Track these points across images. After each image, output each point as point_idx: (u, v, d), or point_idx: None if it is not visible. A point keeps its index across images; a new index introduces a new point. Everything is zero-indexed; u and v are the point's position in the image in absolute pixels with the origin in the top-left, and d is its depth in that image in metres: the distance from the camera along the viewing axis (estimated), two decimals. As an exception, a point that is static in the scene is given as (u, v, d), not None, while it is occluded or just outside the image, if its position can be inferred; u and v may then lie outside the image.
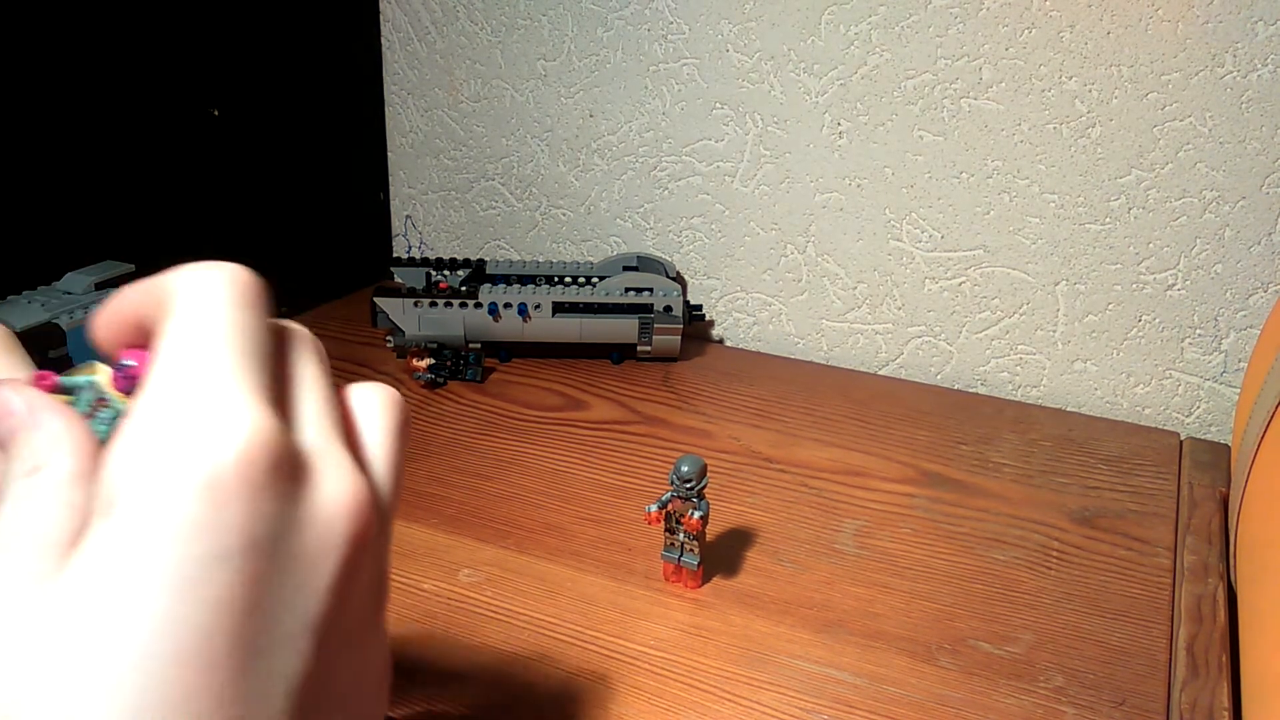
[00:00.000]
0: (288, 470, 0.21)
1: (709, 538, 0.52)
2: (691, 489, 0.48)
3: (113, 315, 0.25)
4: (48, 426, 0.22)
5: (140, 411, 0.21)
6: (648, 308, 0.77)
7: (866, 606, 0.51)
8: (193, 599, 0.20)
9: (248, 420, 0.21)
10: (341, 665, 0.23)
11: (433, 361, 0.74)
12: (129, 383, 0.25)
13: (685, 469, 0.48)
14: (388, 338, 0.79)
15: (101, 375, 0.26)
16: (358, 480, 0.23)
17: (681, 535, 0.50)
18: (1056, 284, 0.74)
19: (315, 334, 0.28)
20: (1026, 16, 0.69)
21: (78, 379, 0.26)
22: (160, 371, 0.22)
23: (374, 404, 0.26)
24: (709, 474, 0.49)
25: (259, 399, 0.21)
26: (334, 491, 0.22)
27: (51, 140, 0.66)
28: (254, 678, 0.20)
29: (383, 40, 0.92)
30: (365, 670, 0.25)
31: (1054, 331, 0.75)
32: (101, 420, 0.25)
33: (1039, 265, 0.74)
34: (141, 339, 0.25)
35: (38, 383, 0.26)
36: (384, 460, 0.25)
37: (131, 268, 0.66)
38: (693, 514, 0.49)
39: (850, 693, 0.45)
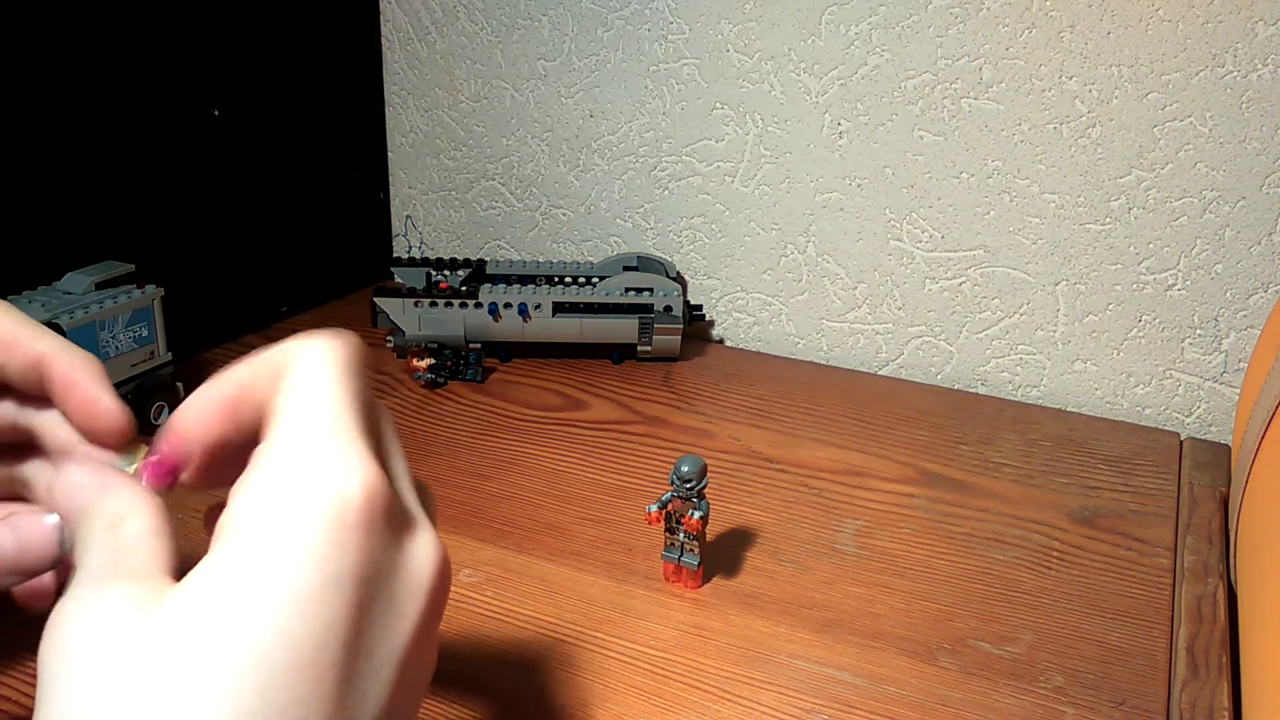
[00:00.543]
0: (395, 520, 0.24)
1: (709, 538, 0.52)
2: (691, 489, 0.48)
3: (210, 401, 0.27)
4: (122, 491, 0.26)
5: (271, 456, 0.24)
6: (648, 308, 0.77)
7: (866, 606, 0.51)
8: (310, 616, 0.22)
9: (367, 470, 0.23)
10: (408, 690, 0.25)
11: (433, 361, 0.74)
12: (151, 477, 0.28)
13: (685, 469, 0.48)
14: (388, 338, 0.79)
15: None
16: (440, 542, 0.26)
17: (681, 535, 0.50)
18: (1057, 284, 0.74)
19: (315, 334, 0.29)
20: (1027, 16, 0.69)
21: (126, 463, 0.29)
22: (288, 424, 0.24)
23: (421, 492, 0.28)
24: (709, 474, 0.49)
25: (372, 455, 0.24)
26: (425, 547, 0.25)
27: (51, 140, 0.66)
28: (349, 697, 0.22)
29: (383, 40, 0.92)
30: (419, 685, 0.27)
31: (1054, 331, 0.75)
32: None
33: (1039, 265, 0.74)
34: (233, 424, 0.27)
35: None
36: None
37: (131, 268, 0.66)
38: (693, 514, 0.49)
39: (850, 693, 0.45)
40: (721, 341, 0.87)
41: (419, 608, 0.24)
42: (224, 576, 0.22)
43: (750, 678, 0.46)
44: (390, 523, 0.24)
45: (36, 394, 0.29)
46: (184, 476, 0.27)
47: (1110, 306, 0.73)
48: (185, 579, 0.22)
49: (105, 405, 0.28)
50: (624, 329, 0.77)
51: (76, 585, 0.24)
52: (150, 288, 0.65)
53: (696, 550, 0.50)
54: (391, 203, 0.98)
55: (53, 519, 0.27)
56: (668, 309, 0.77)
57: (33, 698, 0.43)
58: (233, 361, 0.27)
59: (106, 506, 0.25)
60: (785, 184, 0.79)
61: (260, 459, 0.24)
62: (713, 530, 0.55)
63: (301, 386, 0.25)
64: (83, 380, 0.28)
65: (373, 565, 0.23)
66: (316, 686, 0.21)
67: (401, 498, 0.25)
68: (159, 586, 0.23)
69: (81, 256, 0.66)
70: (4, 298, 0.61)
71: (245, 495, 0.23)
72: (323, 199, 0.89)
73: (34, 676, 0.45)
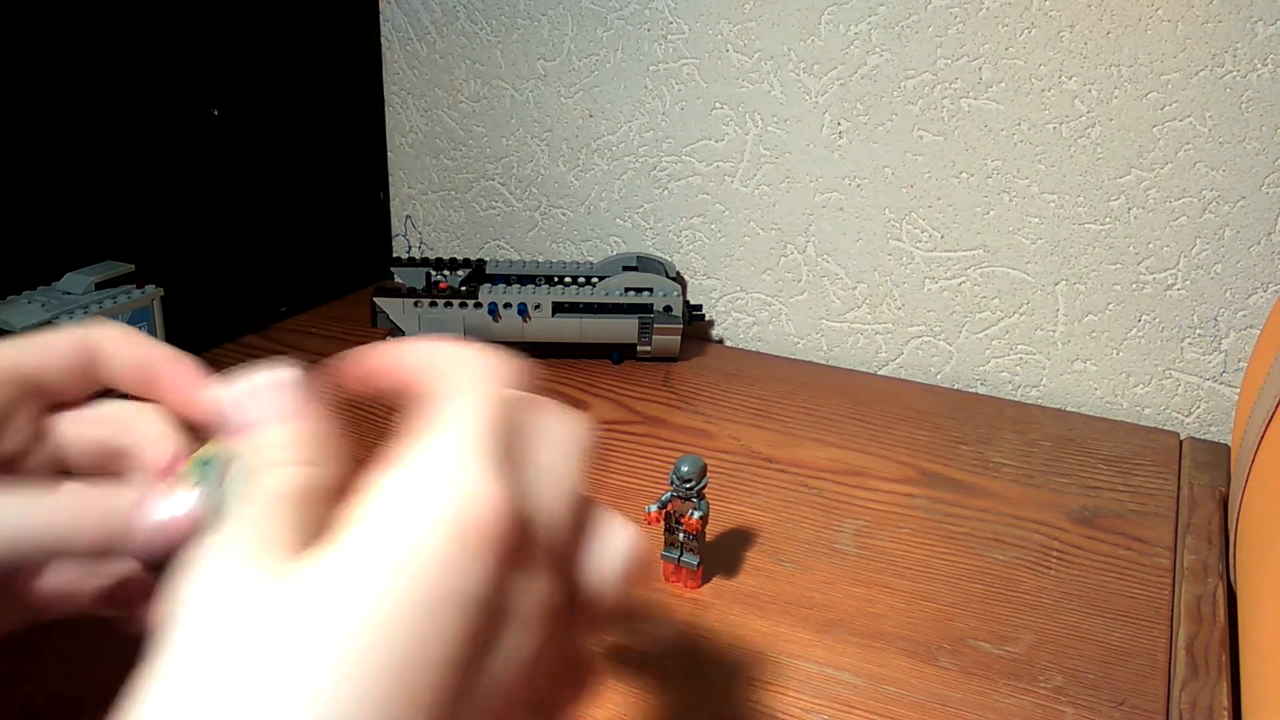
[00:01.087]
0: (524, 556, 0.23)
1: (709, 538, 0.52)
2: (691, 489, 0.48)
3: (381, 365, 0.28)
4: (315, 429, 0.26)
5: (414, 455, 0.23)
6: (648, 308, 0.77)
7: (866, 606, 0.51)
8: (433, 626, 0.21)
9: (507, 498, 0.23)
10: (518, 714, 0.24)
11: (433, 361, 0.74)
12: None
13: (685, 469, 0.48)
14: (388, 338, 0.79)
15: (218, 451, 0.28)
16: (563, 597, 0.25)
17: (681, 535, 0.50)
18: (1056, 284, 0.74)
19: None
20: (1026, 16, 0.69)
21: (204, 456, 0.29)
22: (440, 429, 0.24)
23: (617, 545, 0.27)
24: (709, 474, 0.49)
25: (518, 489, 0.23)
26: (541, 593, 0.24)
27: (51, 140, 0.66)
28: (446, 711, 0.21)
29: (382, 40, 0.92)
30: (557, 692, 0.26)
31: (1054, 331, 0.75)
32: (230, 485, 0.27)
33: (1039, 265, 0.74)
34: (387, 389, 0.28)
35: (164, 474, 0.30)
36: (606, 592, 0.26)
37: (131, 268, 0.66)
38: (692, 514, 0.49)
39: (850, 693, 0.45)
40: (721, 341, 0.87)
41: (531, 648, 0.23)
42: (346, 572, 0.21)
43: (750, 678, 0.46)
44: (519, 558, 0.23)
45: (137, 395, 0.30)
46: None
47: (1110, 306, 0.73)
48: (314, 553, 0.22)
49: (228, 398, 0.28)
50: (624, 329, 0.77)
51: (221, 529, 0.23)
52: (150, 288, 0.65)
53: (696, 550, 0.50)
54: (391, 203, 0.98)
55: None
56: (667, 309, 0.77)
57: (32, 699, 0.43)
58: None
59: (271, 453, 0.25)
60: (785, 184, 0.79)
61: (410, 458, 0.23)
62: (713, 530, 0.55)
63: (466, 396, 0.25)
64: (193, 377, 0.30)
65: (494, 593, 0.22)
66: (427, 696, 0.21)
67: (536, 529, 0.24)
68: (283, 560, 0.22)
69: (81, 256, 0.66)
70: (4, 298, 0.61)
71: (386, 487, 0.23)
72: (323, 199, 0.89)
73: (34, 676, 0.45)
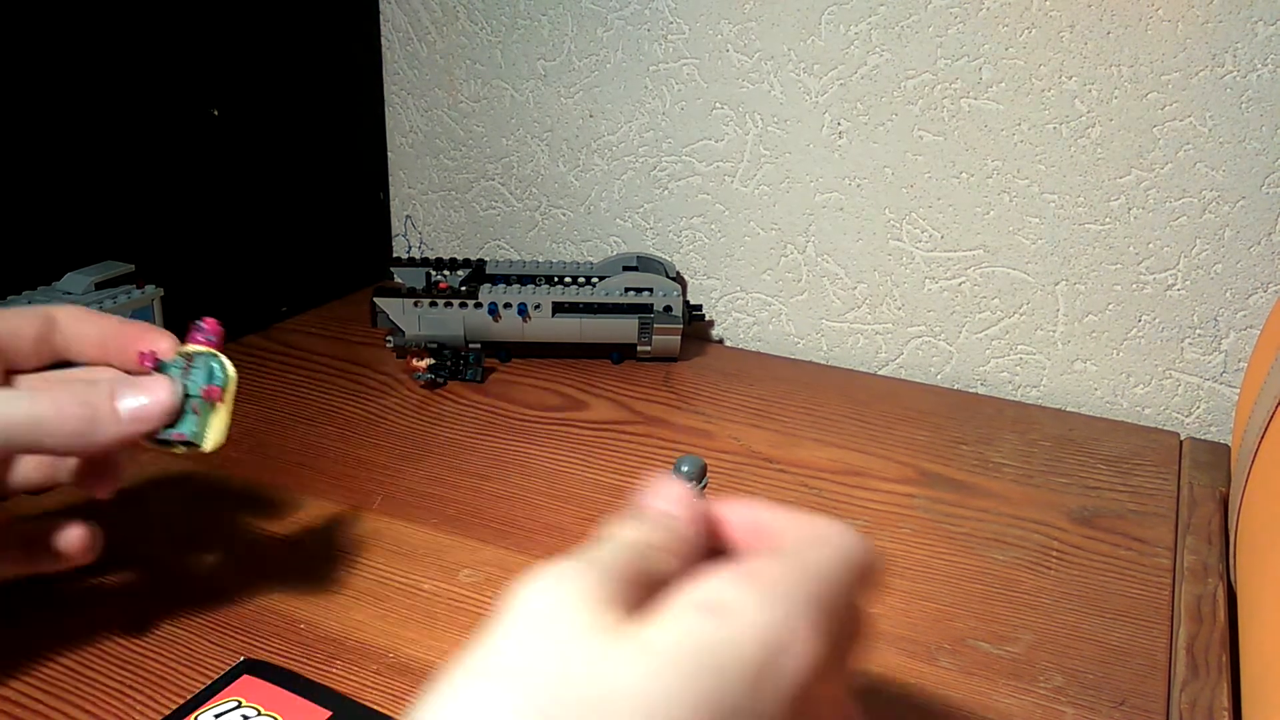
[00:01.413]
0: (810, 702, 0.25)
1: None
2: (692, 489, 0.48)
3: (759, 522, 0.31)
4: (688, 531, 0.29)
5: (759, 570, 0.25)
6: (648, 308, 0.77)
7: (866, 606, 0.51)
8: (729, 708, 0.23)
9: (820, 654, 0.25)
10: None
11: (433, 361, 0.74)
12: (202, 336, 0.41)
13: (686, 469, 0.48)
14: (388, 338, 0.79)
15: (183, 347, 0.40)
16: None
17: None
18: (1056, 284, 0.74)
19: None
20: (1026, 16, 0.69)
21: (169, 361, 0.40)
22: (792, 558, 0.26)
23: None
24: (709, 474, 0.49)
25: (830, 649, 0.25)
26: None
27: (51, 140, 0.66)
28: None
29: (382, 40, 0.92)
30: None
31: (1054, 331, 0.75)
32: (193, 378, 0.40)
33: (1039, 265, 0.74)
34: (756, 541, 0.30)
35: (141, 361, 0.39)
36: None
37: (131, 268, 0.66)
38: None
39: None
40: (721, 341, 0.87)
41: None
42: (670, 650, 0.23)
43: (750, 678, 0.45)
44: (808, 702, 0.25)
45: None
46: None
47: (1110, 306, 0.73)
48: (644, 623, 0.24)
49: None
50: (624, 329, 0.77)
51: (575, 562, 0.25)
52: (150, 288, 0.65)
53: None
54: (391, 203, 0.98)
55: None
56: (667, 309, 0.77)
57: (32, 700, 0.43)
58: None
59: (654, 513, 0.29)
60: (785, 184, 0.80)
61: (754, 571, 0.25)
62: (713, 530, 0.55)
63: (826, 560, 0.27)
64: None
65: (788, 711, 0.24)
66: None
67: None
68: (622, 611, 0.24)
69: (81, 256, 0.66)
70: (4, 298, 0.61)
71: (722, 579, 0.25)
72: (323, 199, 0.89)
73: (35, 678, 0.45)
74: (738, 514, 0.31)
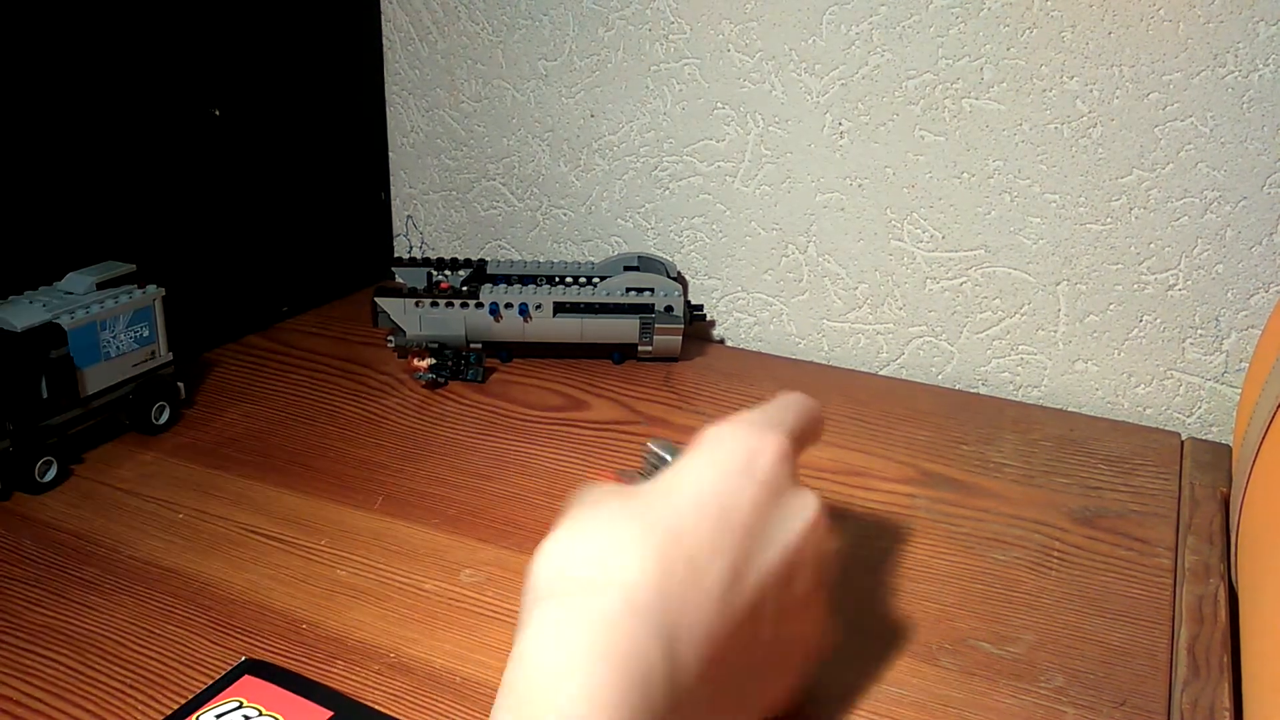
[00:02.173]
0: (788, 480, 0.39)
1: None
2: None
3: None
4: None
5: (746, 417, 0.41)
6: (649, 308, 0.77)
7: (867, 606, 0.51)
8: (733, 506, 0.36)
9: (786, 441, 0.40)
10: (769, 633, 0.36)
11: (434, 361, 0.74)
12: None
13: (657, 449, 0.44)
14: (389, 338, 0.79)
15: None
16: (820, 513, 0.39)
17: None
18: (1057, 284, 0.74)
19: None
20: (1028, 16, 0.69)
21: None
22: (763, 410, 0.42)
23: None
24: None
25: (795, 441, 0.41)
26: (805, 507, 0.38)
27: (52, 140, 0.66)
28: (728, 582, 0.35)
29: (384, 40, 0.92)
30: (789, 647, 0.38)
31: (1055, 331, 0.75)
32: None
33: (1040, 265, 0.74)
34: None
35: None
36: None
37: (133, 268, 0.66)
38: None
39: (850, 692, 0.45)
40: (722, 342, 0.87)
41: (786, 547, 0.36)
42: (681, 467, 0.37)
43: (751, 678, 0.45)
44: (784, 478, 0.38)
45: None
46: None
47: (1111, 306, 0.73)
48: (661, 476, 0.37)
49: None
50: (625, 329, 0.77)
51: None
52: (151, 288, 0.66)
53: None
54: (392, 202, 0.98)
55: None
56: (668, 309, 0.77)
57: (32, 699, 0.43)
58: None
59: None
60: (786, 184, 0.79)
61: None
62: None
63: (784, 402, 0.43)
64: None
65: (769, 494, 0.37)
66: (715, 547, 0.34)
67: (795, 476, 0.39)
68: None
69: (82, 256, 0.66)
70: (5, 297, 0.61)
71: (718, 427, 0.38)
72: (323, 199, 0.89)
73: (35, 678, 0.45)
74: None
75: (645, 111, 0.83)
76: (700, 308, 0.81)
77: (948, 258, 0.76)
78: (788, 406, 0.42)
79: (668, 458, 0.44)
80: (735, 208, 0.82)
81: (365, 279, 0.94)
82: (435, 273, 0.79)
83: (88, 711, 0.42)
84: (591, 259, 0.88)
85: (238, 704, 0.42)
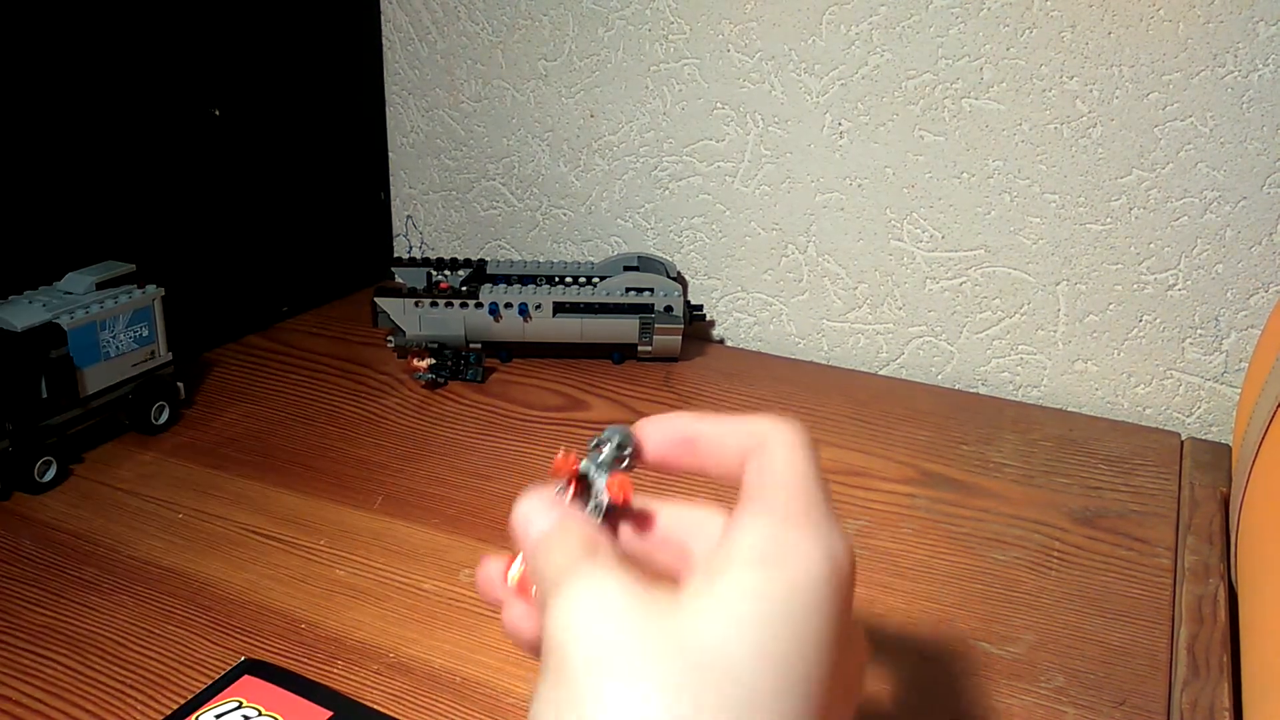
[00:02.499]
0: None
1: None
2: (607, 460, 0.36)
3: (675, 430, 0.33)
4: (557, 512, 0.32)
5: (778, 515, 0.28)
6: (648, 308, 0.77)
7: (867, 606, 0.51)
8: (801, 656, 0.26)
9: (847, 545, 0.28)
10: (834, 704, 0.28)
11: (433, 361, 0.74)
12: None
13: (607, 439, 0.37)
14: (389, 338, 0.79)
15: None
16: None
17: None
18: (1057, 284, 0.74)
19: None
20: (1028, 17, 0.69)
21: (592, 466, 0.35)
22: (791, 492, 0.29)
23: None
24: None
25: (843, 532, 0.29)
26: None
27: (52, 140, 0.66)
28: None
29: (384, 40, 0.92)
30: (848, 696, 0.30)
31: (1055, 331, 0.75)
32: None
33: (1040, 265, 0.74)
34: (687, 453, 0.33)
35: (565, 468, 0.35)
36: None
37: (132, 268, 0.66)
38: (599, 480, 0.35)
39: (851, 693, 0.45)
40: (722, 341, 0.87)
41: (837, 643, 0.27)
42: (740, 604, 0.25)
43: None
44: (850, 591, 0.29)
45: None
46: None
47: (1111, 306, 0.73)
48: (695, 591, 0.26)
49: None
50: (625, 329, 0.77)
51: (568, 574, 0.27)
52: (151, 288, 0.65)
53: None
54: (392, 203, 0.98)
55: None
56: (668, 309, 0.77)
57: (32, 699, 0.43)
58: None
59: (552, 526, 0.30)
60: (786, 184, 0.79)
61: (766, 512, 0.28)
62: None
63: (792, 463, 0.30)
64: None
65: (842, 621, 0.27)
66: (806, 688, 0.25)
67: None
68: (657, 590, 0.26)
69: (82, 256, 0.66)
70: (5, 297, 0.61)
71: (759, 532, 0.28)
72: (323, 199, 0.89)
73: (35, 678, 0.45)
74: (655, 433, 0.34)
75: (645, 111, 0.83)
76: (700, 308, 0.81)
77: (947, 258, 0.76)
78: (811, 477, 0.31)
79: (620, 447, 0.37)
80: (735, 208, 0.82)
81: (365, 279, 0.94)
82: (435, 273, 0.79)
83: (88, 711, 0.42)
84: (591, 259, 0.88)
85: (237, 704, 0.42)
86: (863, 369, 0.81)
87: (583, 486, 0.36)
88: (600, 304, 0.76)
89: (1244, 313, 0.69)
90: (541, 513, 0.31)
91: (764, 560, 0.27)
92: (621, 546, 0.33)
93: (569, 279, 0.79)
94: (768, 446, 0.31)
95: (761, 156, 0.79)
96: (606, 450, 0.36)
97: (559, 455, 0.36)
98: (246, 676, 0.43)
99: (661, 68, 0.81)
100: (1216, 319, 0.70)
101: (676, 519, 0.33)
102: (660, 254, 0.83)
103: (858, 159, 0.76)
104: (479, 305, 0.75)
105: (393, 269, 0.79)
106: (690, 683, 0.24)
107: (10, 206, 0.64)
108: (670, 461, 0.33)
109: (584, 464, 0.36)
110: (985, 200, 0.74)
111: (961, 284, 0.76)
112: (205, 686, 0.43)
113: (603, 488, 0.35)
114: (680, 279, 0.85)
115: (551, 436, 0.67)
